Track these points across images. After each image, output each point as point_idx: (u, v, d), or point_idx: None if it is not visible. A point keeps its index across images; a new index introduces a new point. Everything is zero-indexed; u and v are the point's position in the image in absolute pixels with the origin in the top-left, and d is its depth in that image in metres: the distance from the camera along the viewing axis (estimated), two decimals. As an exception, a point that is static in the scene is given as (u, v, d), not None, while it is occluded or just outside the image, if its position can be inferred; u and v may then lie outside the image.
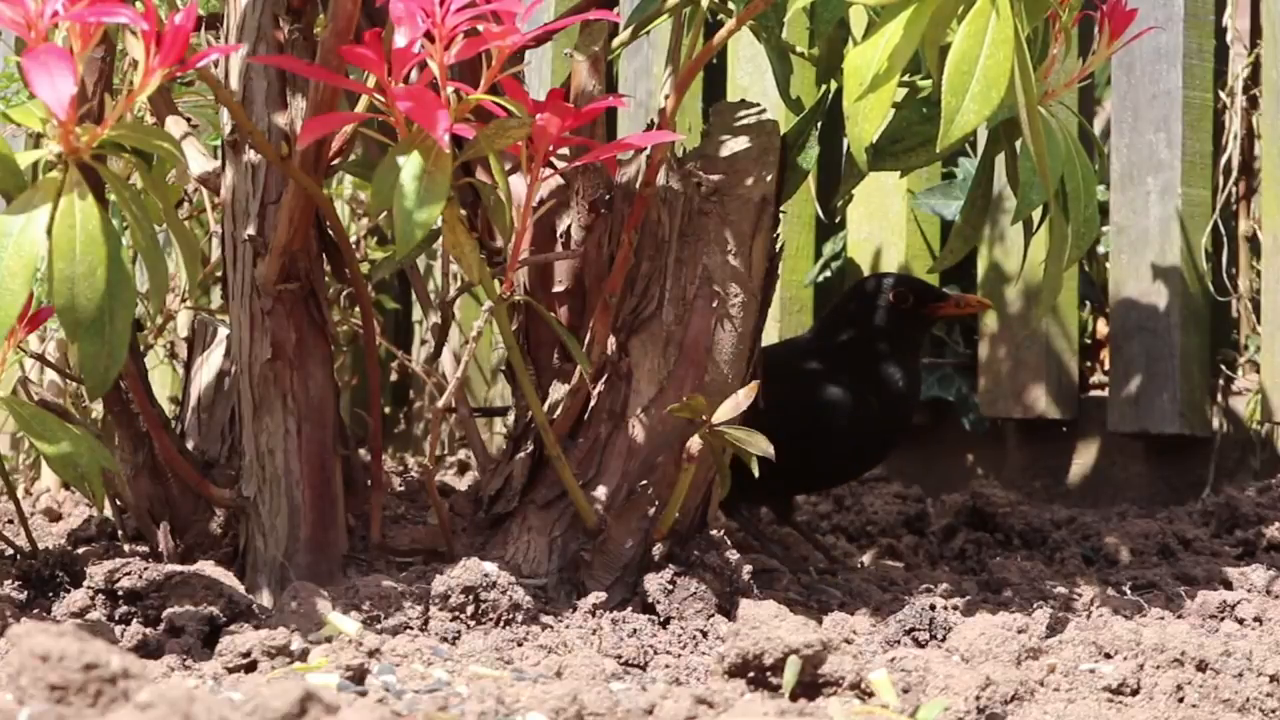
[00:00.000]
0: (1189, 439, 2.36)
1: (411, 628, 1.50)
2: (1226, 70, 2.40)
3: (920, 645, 1.53)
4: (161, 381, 2.83)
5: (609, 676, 1.37)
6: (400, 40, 1.36)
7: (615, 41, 1.68)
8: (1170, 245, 2.34)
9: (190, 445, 1.82)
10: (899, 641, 1.54)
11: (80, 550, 1.81)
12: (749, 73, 2.63)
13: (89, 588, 1.56)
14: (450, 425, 2.94)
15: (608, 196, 1.63)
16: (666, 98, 1.59)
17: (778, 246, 1.67)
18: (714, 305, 1.63)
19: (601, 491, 1.61)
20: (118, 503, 1.85)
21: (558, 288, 1.66)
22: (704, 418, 1.55)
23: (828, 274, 2.64)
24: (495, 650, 1.45)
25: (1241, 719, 1.33)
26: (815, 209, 2.62)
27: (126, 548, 1.84)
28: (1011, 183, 1.62)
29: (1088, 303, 2.53)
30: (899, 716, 1.26)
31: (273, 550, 1.63)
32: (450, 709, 1.19)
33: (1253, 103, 2.38)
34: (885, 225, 2.59)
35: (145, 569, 1.55)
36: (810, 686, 1.30)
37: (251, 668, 1.37)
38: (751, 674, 1.31)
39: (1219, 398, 2.37)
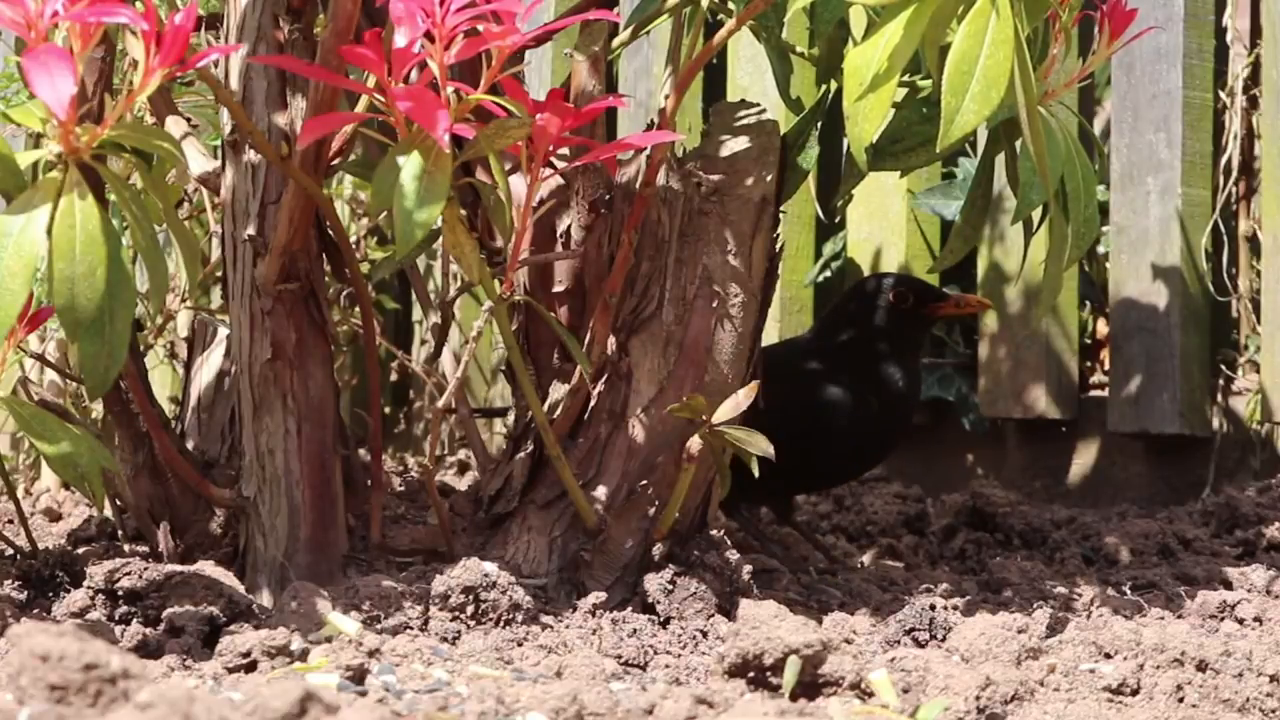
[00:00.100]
0: (1189, 439, 2.36)
1: (411, 628, 1.50)
2: (1226, 70, 2.40)
3: (920, 645, 1.53)
4: (161, 381, 2.83)
5: (609, 676, 1.37)
6: (400, 40, 1.36)
7: (615, 41, 1.68)
8: (1170, 245, 2.34)
9: (190, 445, 1.82)
10: (899, 641, 1.54)
11: (80, 550, 1.81)
12: (749, 73, 2.63)
13: (89, 588, 1.56)
14: (450, 425, 2.94)
15: (608, 196, 1.63)
16: (666, 98, 1.59)
17: (778, 246, 1.67)
18: (714, 305, 1.63)
19: (601, 491, 1.61)
20: (118, 503, 1.85)
21: (558, 288, 1.66)
22: (704, 418, 1.55)
23: (828, 274, 2.64)
24: (495, 650, 1.45)
25: (1241, 719, 1.33)
26: (815, 209, 2.62)
27: (126, 548, 1.84)
28: (1011, 183, 1.62)
29: (1088, 303, 2.53)
30: (899, 716, 1.26)
31: (273, 550, 1.63)
32: (450, 709, 1.19)
33: (1253, 103, 2.38)
34: (885, 225, 2.59)
35: (145, 569, 1.55)
36: (810, 686, 1.30)
37: (251, 668, 1.37)
38: (751, 674, 1.31)
39: (1219, 398, 2.37)
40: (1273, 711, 1.34)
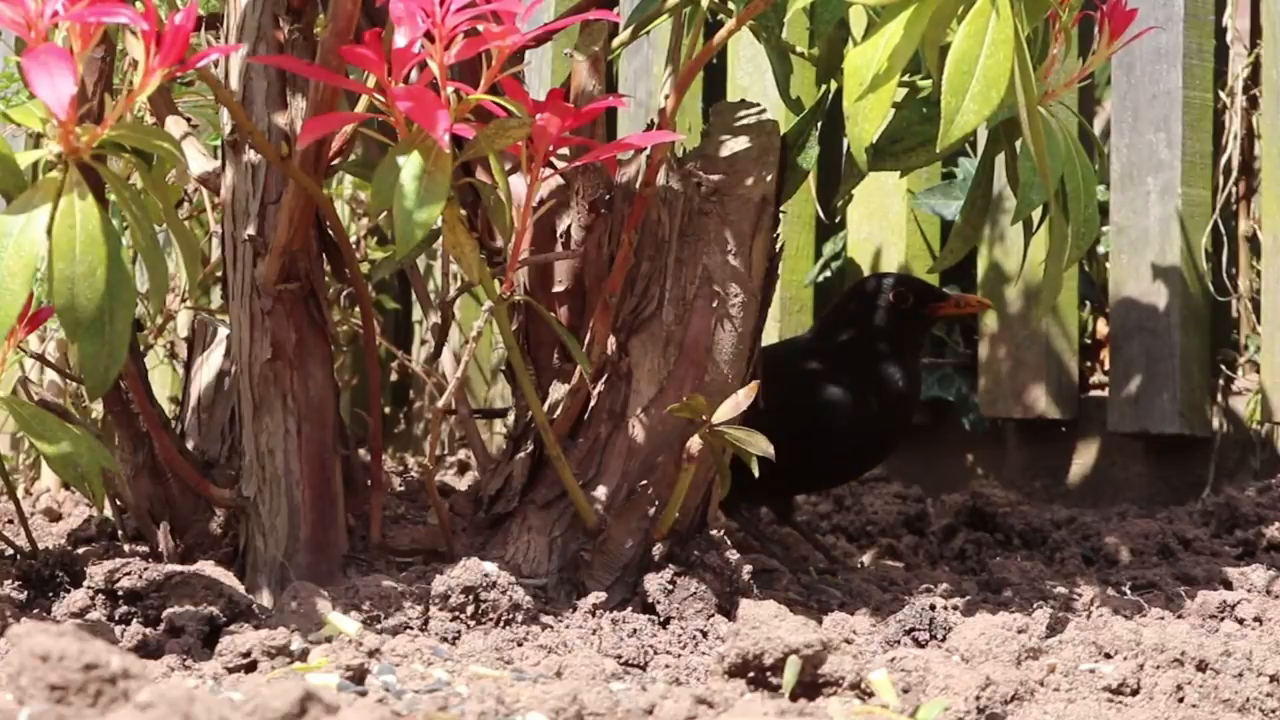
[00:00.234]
0: (1189, 439, 2.36)
1: (411, 628, 1.50)
2: (1226, 70, 2.40)
3: (920, 645, 1.53)
4: (161, 381, 2.83)
5: (609, 676, 1.37)
6: (400, 40, 1.36)
7: (615, 41, 1.68)
8: (1170, 245, 2.34)
9: (190, 445, 1.82)
10: (899, 641, 1.54)
11: (80, 550, 1.81)
12: (749, 73, 2.63)
13: (89, 588, 1.56)
14: (450, 425, 2.94)
15: (608, 196, 1.63)
16: (666, 98, 1.59)
17: (778, 246, 1.67)
18: (714, 305, 1.63)
19: (601, 491, 1.61)
20: (118, 503, 1.85)
21: (558, 288, 1.66)
22: (704, 418, 1.55)
23: (828, 274, 2.64)
24: (495, 650, 1.45)
25: (1241, 719, 1.33)
26: (815, 209, 2.62)
27: (126, 548, 1.84)
28: (1011, 183, 1.62)
29: (1088, 303, 2.53)
30: (899, 716, 1.26)
31: (273, 550, 1.63)
32: (450, 709, 1.19)
33: (1253, 103, 2.38)
34: (885, 225, 2.59)
35: (145, 569, 1.55)
36: (810, 686, 1.30)
37: (251, 668, 1.37)
38: (751, 674, 1.31)
39: (1219, 398, 2.37)
40: (1273, 711, 1.34)
